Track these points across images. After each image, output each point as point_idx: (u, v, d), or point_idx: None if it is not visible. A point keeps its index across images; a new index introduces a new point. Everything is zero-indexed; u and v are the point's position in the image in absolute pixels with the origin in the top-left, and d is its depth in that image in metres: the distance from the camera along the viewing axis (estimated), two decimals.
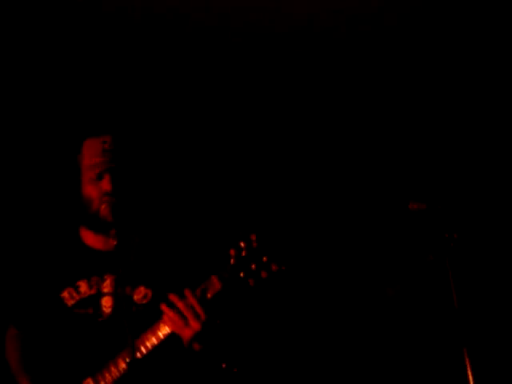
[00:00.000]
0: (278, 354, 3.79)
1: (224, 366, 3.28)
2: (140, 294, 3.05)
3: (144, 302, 3.05)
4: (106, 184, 3.01)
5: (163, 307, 2.83)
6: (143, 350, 2.87)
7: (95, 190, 3.03)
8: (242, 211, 3.63)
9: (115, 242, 2.84)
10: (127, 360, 2.83)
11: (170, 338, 2.87)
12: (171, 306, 2.82)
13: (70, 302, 3.07)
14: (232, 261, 2.79)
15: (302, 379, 3.80)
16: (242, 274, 2.78)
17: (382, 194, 3.63)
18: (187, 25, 3.65)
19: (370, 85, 3.75)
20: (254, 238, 2.78)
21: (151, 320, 2.90)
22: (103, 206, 2.99)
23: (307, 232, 3.28)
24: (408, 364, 3.60)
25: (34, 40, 3.71)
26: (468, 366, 2.70)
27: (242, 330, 3.65)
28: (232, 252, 2.79)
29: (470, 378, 2.70)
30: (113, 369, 2.92)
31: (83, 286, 3.09)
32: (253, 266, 2.77)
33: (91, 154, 3.06)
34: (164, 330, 2.87)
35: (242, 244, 2.78)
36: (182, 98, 3.89)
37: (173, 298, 2.82)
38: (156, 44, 3.78)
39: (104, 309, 3.05)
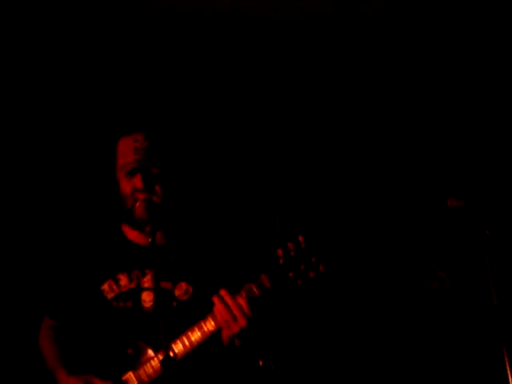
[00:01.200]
0: (315, 355, 3.83)
1: (261, 363, 3.33)
2: (181, 290, 3.07)
3: (185, 298, 3.06)
4: (137, 181, 3.03)
5: (215, 299, 2.84)
6: (188, 345, 2.89)
7: (129, 188, 3.05)
8: (287, 210, 3.65)
9: (150, 239, 2.85)
10: (160, 358, 2.85)
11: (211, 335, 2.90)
12: (222, 298, 2.84)
13: (110, 295, 3.10)
14: (281, 261, 2.81)
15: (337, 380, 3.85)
16: (291, 274, 2.81)
17: (422, 191, 3.66)
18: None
19: (400, 75, 3.76)
20: (301, 239, 2.80)
21: (192, 316, 2.93)
22: (137, 204, 3.02)
23: (352, 232, 3.31)
24: (446, 361, 3.67)
25: (67, 35, 3.69)
26: (507, 364, 2.76)
27: (283, 329, 3.68)
28: (280, 252, 2.81)
29: (510, 377, 2.76)
30: (154, 363, 2.94)
31: (123, 280, 3.11)
32: (301, 267, 2.80)
33: (124, 152, 3.09)
34: (210, 326, 2.88)
35: (290, 245, 2.81)
36: (215, 95, 3.88)
37: (223, 293, 2.84)
38: (188, 42, 3.78)
39: (144, 303, 3.07)
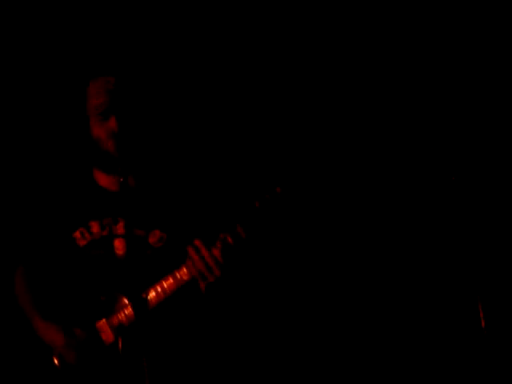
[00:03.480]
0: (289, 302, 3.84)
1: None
2: (155, 238, 3.04)
3: (159, 245, 3.05)
4: (112, 123, 2.97)
5: (190, 250, 2.83)
6: (162, 294, 2.89)
7: (102, 130, 2.99)
8: (266, 161, 3.60)
9: (121, 179, 2.80)
10: (129, 304, 2.86)
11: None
12: (196, 248, 2.83)
13: (82, 243, 3.06)
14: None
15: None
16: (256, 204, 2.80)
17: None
18: None
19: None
20: (279, 190, 2.79)
21: (166, 264, 2.92)
22: (110, 143, 2.97)
23: (331, 186, 3.28)
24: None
25: None
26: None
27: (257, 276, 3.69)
28: (257, 204, 2.80)
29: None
30: (127, 311, 2.92)
31: (95, 227, 3.07)
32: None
33: (96, 93, 3.00)
34: (184, 275, 2.87)
35: (267, 196, 2.79)
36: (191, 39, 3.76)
37: (198, 243, 2.83)
38: None
39: (117, 251, 3.04)
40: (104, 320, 2.97)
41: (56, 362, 2.99)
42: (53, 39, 3.75)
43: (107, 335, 2.96)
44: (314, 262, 3.75)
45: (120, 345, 2.73)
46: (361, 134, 3.66)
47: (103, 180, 3.13)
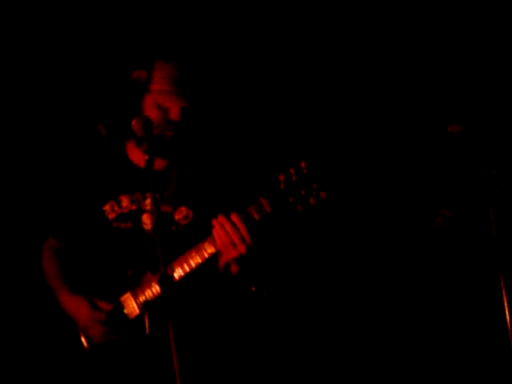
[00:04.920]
0: (309, 283, 3.82)
1: (254, 289, 3.33)
2: (181, 214, 3.06)
3: (185, 222, 3.06)
4: (173, 113, 2.98)
5: (215, 223, 2.83)
6: (186, 268, 2.90)
7: (160, 115, 3.00)
8: (291, 136, 3.60)
9: (147, 157, 2.77)
10: (157, 279, 2.85)
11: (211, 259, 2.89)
12: (220, 223, 2.82)
13: (111, 216, 3.10)
14: (282, 185, 2.79)
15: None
16: (291, 199, 2.79)
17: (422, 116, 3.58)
18: None
19: None
20: (303, 165, 2.77)
21: (191, 240, 2.92)
22: (167, 130, 2.99)
23: (354, 161, 3.26)
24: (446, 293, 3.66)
25: None
26: (504, 295, 2.76)
27: (280, 256, 3.67)
28: (281, 177, 2.78)
29: (506, 304, 2.77)
30: (153, 285, 2.94)
31: (125, 201, 3.10)
32: (302, 192, 2.77)
33: (160, 78, 3.01)
34: (209, 249, 2.87)
35: (292, 170, 2.78)
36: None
37: (221, 219, 2.82)
38: None
39: (144, 225, 3.07)
40: (129, 294, 2.99)
41: (84, 341, 3.02)
42: (119, 21, 3.81)
43: (131, 309, 2.98)
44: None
45: (147, 321, 2.80)
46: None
47: (135, 156, 3.16)
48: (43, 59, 3.82)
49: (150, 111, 3.01)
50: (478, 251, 3.49)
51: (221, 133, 3.64)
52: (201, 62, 3.16)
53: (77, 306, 3.03)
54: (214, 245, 2.87)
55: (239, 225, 2.80)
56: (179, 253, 2.92)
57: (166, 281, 2.60)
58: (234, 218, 2.81)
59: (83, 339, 3.02)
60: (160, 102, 3.01)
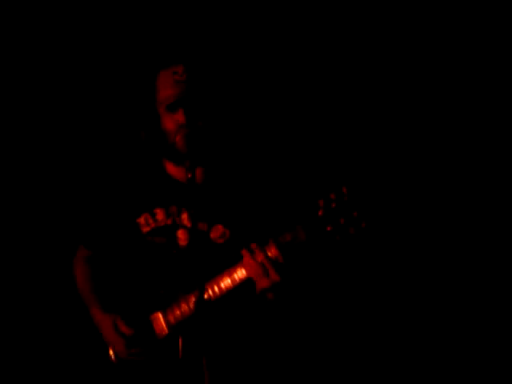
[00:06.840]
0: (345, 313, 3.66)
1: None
2: (217, 233, 2.93)
3: (221, 241, 2.93)
4: (180, 116, 2.87)
5: (244, 253, 2.72)
6: (217, 290, 2.78)
7: (171, 123, 2.90)
8: (333, 162, 3.42)
9: (189, 175, 2.67)
10: (194, 300, 2.74)
11: (244, 283, 2.77)
12: (252, 252, 2.70)
13: (146, 229, 2.99)
14: (320, 212, 2.61)
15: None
16: (329, 228, 2.60)
17: None
18: None
19: None
20: (345, 190, 2.58)
21: (226, 260, 2.80)
22: (178, 137, 2.87)
23: (398, 190, 3.06)
24: None
25: None
26: None
27: (316, 285, 3.52)
28: (321, 203, 2.61)
29: None
30: (183, 305, 2.84)
31: (160, 214, 2.99)
32: (341, 221, 2.58)
33: (163, 86, 2.91)
34: (241, 274, 2.76)
35: (333, 196, 2.59)
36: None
37: (254, 247, 2.70)
38: None
39: (179, 241, 2.95)
40: (159, 313, 2.88)
41: (111, 354, 2.95)
42: (122, 29, 3.73)
43: (161, 329, 2.87)
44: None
45: (180, 344, 2.71)
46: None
47: (172, 169, 3.04)
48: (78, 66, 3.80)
49: (163, 121, 2.92)
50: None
51: (261, 151, 3.53)
52: (206, 64, 3.03)
53: (102, 324, 2.96)
54: (246, 270, 2.75)
55: (272, 255, 2.68)
56: (212, 272, 2.80)
57: (202, 305, 2.49)
58: (268, 248, 2.70)
59: (111, 352, 2.96)
60: (166, 109, 2.91)
